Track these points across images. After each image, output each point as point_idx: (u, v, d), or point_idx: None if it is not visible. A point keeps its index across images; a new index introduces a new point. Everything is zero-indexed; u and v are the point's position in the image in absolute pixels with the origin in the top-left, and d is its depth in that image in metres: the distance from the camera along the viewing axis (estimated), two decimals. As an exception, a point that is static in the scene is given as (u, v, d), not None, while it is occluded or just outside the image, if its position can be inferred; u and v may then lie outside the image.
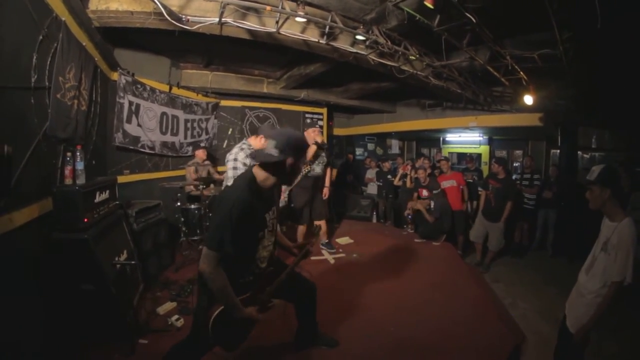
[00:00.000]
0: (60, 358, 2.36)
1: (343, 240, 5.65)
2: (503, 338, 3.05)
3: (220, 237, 1.70)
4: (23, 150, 2.22)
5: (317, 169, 4.75)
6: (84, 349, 2.47)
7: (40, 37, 2.35)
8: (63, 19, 2.62)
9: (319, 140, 4.54)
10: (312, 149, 4.50)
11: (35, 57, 2.30)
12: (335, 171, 5.10)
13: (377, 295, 3.70)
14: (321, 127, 8.22)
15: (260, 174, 1.84)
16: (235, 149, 3.58)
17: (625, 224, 2.06)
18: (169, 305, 3.21)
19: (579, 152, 7.27)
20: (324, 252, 5.01)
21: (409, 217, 6.20)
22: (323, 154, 4.77)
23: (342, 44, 3.66)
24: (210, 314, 1.76)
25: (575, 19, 2.95)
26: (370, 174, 8.19)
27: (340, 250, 5.19)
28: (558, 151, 7.34)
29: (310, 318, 2.58)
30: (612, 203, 2.13)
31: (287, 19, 3.10)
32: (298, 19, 3.16)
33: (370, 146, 11.23)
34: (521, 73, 4.33)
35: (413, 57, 4.01)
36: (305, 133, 4.72)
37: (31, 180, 2.29)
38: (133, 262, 2.88)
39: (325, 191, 4.97)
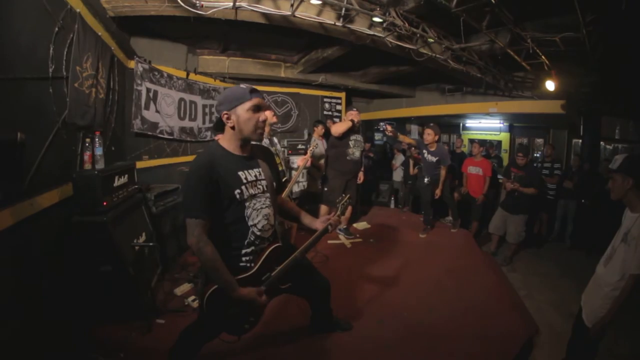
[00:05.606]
0: (80, 335, 2.47)
1: (360, 225, 5.69)
2: (516, 329, 3.01)
3: (190, 203, 1.67)
4: (43, 138, 2.30)
5: (357, 153, 4.78)
6: (102, 327, 2.58)
7: (56, 29, 2.40)
8: (78, 10, 2.66)
9: (355, 119, 4.64)
10: (346, 124, 4.61)
11: (52, 48, 2.36)
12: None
13: (392, 280, 3.72)
14: (339, 111, 8.15)
15: (220, 138, 1.85)
16: None
17: None
18: (186, 287, 3.30)
19: (601, 142, 7.02)
20: (340, 236, 5.04)
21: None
22: (360, 138, 4.81)
23: (359, 26, 3.58)
24: (206, 290, 1.71)
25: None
26: (395, 160, 7.99)
27: (357, 234, 5.22)
28: (580, 141, 7.11)
29: (325, 311, 2.58)
30: (635, 193, 2.02)
31: (302, 1, 3.05)
32: (313, 1, 3.12)
33: (390, 131, 11.06)
34: (543, 57, 4.15)
35: (431, 40, 3.90)
36: (347, 114, 4.84)
37: (52, 166, 2.37)
38: (151, 244, 2.95)
39: (361, 175, 5.00)
